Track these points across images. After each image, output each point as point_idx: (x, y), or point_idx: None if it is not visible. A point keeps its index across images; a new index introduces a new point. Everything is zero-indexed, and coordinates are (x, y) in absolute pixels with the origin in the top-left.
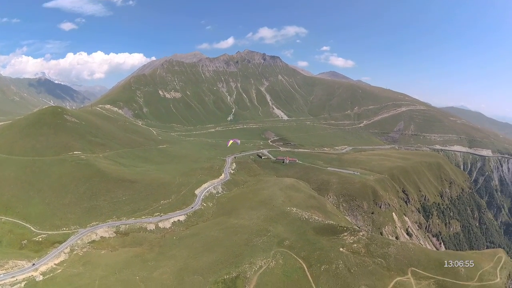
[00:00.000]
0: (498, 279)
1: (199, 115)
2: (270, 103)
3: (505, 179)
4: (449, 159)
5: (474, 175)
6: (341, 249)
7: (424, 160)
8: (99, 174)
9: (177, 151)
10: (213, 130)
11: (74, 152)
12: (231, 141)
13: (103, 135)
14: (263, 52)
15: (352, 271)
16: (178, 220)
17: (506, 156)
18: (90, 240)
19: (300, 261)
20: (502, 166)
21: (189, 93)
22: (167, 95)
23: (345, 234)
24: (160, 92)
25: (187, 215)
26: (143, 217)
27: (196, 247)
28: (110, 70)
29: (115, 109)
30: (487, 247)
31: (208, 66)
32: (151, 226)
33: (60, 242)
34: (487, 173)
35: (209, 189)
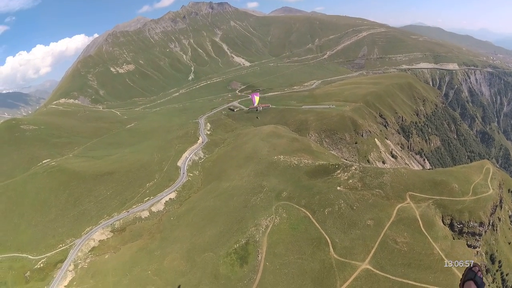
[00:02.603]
0: (491, 190)
1: (159, 82)
2: (228, 52)
3: (474, 90)
4: (418, 77)
5: (444, 89)
6: (338, 188)
7: (395, 82)
8: (76, 176)
9: (147, 126)
10: (177, 93)
11: (43, 161)
12: (256, 97)
13: (66, 133)
14: (209, 0)
15: (354, 208)
16: (170, 198)
17: (472, 68)
18: (90, 248)
19: (303, 210)
20: (469, 78)
21: (142, 62)
22: (120, 70)
23: (338, 171)
24: (112, 69)
25: (176, 191)
26: (134, 206)
27: (197, 223)
28: (55, 61)
29: (71, 100)
30: (468, 157)
31: (155, 28)
32: (145, 214)
33: (62, 261)
34: (456, 86)
35: (191, 157)
